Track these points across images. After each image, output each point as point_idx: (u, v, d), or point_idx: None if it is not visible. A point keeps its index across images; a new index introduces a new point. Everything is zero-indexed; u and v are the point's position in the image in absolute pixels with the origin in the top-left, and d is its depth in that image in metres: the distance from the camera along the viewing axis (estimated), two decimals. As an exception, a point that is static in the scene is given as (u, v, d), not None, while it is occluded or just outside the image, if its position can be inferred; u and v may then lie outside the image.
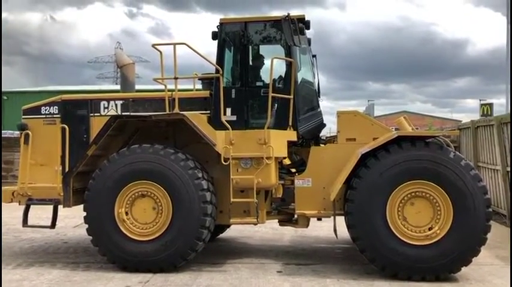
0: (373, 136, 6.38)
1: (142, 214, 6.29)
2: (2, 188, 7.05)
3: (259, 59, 7.14)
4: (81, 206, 6.58)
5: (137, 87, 8.41)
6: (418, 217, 5.89)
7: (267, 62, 6.94)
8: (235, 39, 6.94)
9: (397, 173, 5.85)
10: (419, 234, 5.86)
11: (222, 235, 8.49)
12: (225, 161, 6.26)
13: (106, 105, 7.03)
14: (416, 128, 8.08)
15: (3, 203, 7.00)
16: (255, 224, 6.64)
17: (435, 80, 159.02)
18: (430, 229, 5.85)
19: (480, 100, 30.69)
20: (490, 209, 5.83)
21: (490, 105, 26.11)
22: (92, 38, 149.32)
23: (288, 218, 7.01)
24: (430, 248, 5.79)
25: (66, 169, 6.74)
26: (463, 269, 5.89)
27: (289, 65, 6.71)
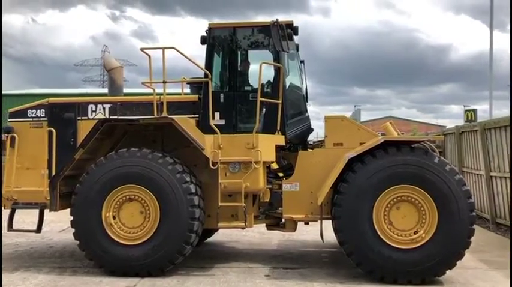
0: (360, 141, 6.45)
1: (129, 218, 6.27)
2: None
3: (247, 64, 7.18)
4: (67, 210, 6.54)
5: (124, 91, 8.39)
6: (403, 221, 5.96)
7: (255, 67, 6.99)
8: (224, 44, 6.99)
9: (383, 178, 5.92)
10: (405, 238, 5.93)
11: (209, 239, 8.49)
12: (213, 165, 6.28)
13: (94, 109, 7.00)
14: (402, 134, 8.17)
15: None
16: (243, 228, 6.65)
17: (419, 86, 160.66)
18: (415, 232, 5.92)
19: (464, 106, 31.34)
20: (474, 213, 5.94)
21: (474, 111, 26.64)
22: (75, 41, 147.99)
23: (275, 222, 7.04)
24: (416, 252, 5.86)
25: (53, 173, 6.69)
26: (448, 272, 5.98)
27: (277, 70, 6.77)
